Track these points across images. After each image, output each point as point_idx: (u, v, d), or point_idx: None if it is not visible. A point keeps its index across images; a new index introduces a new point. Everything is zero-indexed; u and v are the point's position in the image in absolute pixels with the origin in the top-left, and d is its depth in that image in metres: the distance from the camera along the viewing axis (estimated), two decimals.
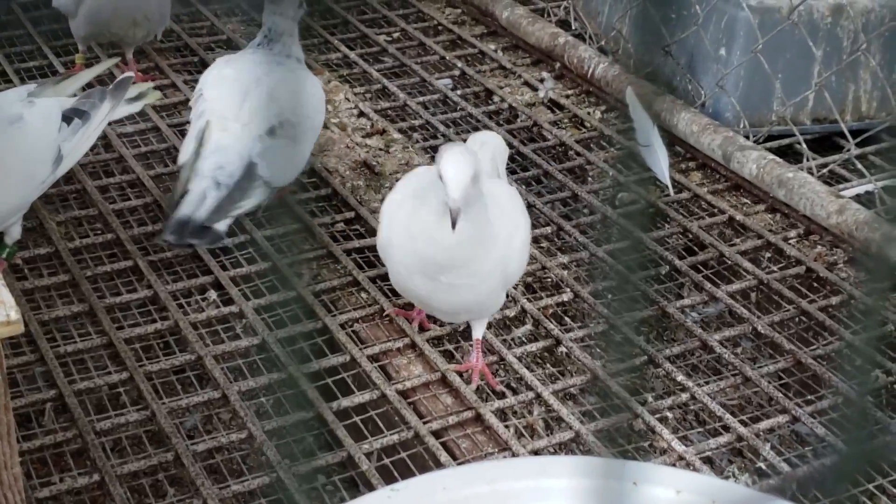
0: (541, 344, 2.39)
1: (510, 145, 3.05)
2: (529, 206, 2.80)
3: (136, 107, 2.64)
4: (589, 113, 3.24)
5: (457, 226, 1.95)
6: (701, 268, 2.66)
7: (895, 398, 2.32)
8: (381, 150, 3.02)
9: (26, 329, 2.25)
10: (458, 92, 3.33)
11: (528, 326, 2.44)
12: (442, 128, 3.13)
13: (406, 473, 2.07)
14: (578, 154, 3.05)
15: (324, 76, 3.33)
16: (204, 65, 3.24)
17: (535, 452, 2.13)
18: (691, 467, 2.10)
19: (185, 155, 2.52)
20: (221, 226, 2.45)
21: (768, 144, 3.04)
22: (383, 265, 2.53)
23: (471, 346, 2.31)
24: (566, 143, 3.09)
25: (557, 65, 3.42)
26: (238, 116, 2.50)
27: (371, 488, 2.01)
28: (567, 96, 3.33)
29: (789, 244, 2.71)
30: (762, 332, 2.44)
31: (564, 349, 2.38)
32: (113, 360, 2.31)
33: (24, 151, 2.36)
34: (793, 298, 2.54)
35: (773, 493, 2.05)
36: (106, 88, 2.55)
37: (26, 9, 3.58)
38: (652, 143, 2.76)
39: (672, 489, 1.49)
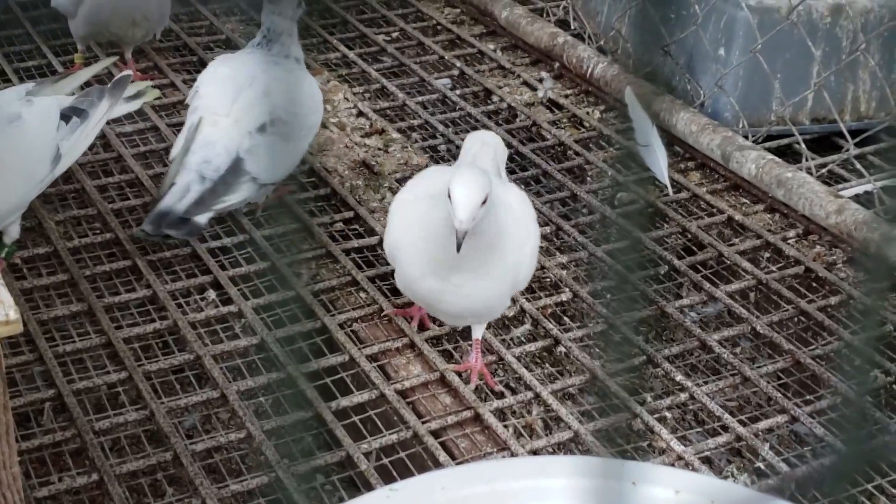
0: (540, 344, 2.39)
1: (509, 145, 3.05)
2: None
3: (134, 105, 2.64)
4: (588, 113, 3.24)
5: (461, 247, 1.94)
6: (700, 268, 2.66)
7: (894, 398, 2.32)
8: (380, 149, 3.02)
9: (25, 328, 2.25)
10: (457, 92, 3.33)
11: (527, 326, 2.44)
12: (441, 127, 3.13)
13: (405, 473, 2.07)
14: (577, 154, 3.05)
15: (323, 76, 3.33)
16: (203, 64, 3.24)
17: (534, 452, 2.13)
18: (690, 467, 2.10)
19: (175, 150, 2.55)
20: (201, 218, 2.46)
21: (767, 144, 3.04)
22: (383, 265, 2.53)
23: (470, 346, 2.31)
24: (565, 143, 3.09)
25: (556, 64, 3.42)
26: (229, 112, 2.52)
27: (370, 488, 2.01)
28: (566, 96, 3.33)
29: (788, 244, 2.71)
30: (761, 331, 2.44)
31: (563, 349, 2.38)
32: (112, 359, 2.31)
33: (22, 150, 2.36)
34: (792, 298, 2.54)
35: (772, 493, 2.05)
36: (104, 87, 2.55)
37: (25, 8, 3.57)
38: (651, 142, 2.76)
39: (671, 489, 1.49)
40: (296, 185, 2.79)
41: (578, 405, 2.30)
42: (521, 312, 2.46)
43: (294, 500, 2.02)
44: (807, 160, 2.97)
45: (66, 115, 2.45)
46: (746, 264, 2.64)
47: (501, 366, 2.35)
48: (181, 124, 2.97)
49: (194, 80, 2.71)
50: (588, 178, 2.98)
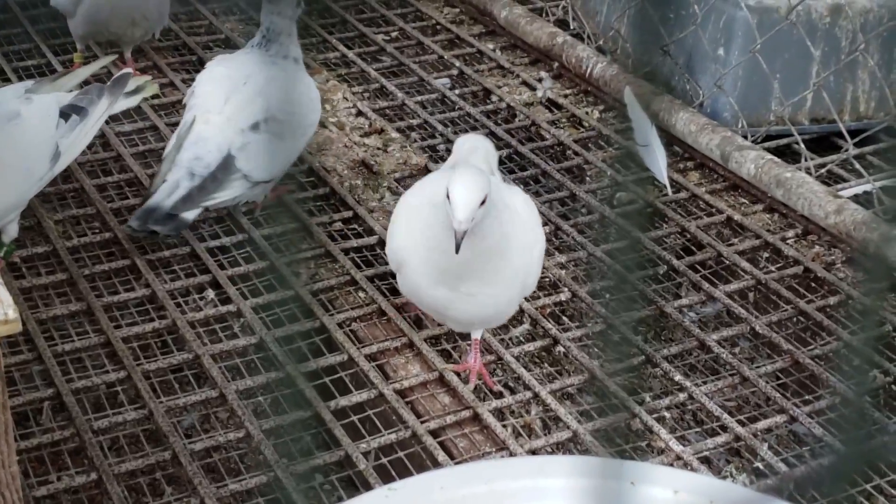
0: (538, 343, 2.39)
1: (508, 145, 3.05)
2: None
3: (134, 100, 2.65)
4: (587, 112, 3.24)
5: (460, 248, 1.92)
6: (699, 267, 2.66)
7: (893, 398, 2.32)
8: (379, 149, 3.02)
9: (24, 328, 2.25)
10: (457, 91, 3.33)
11: (526, 326, 2.44)
12: (440, 127, 3.13)
13: (403, 473, 2.07)
14: (576, 154, 3.05)
15: (322, 75, 3.33)
16: (202, 63, 3.23)
17: (533, 452, 2.13)
18: (689, 467, 2.10)
19: (168, 148, 2.57)
20: (189, 214, 2.48)
21: (766, 144, 3.04)
22: (382, 264, 2.53)
23: (468, 345, 2.31)
24: (564, 143, 3.09)
25: (556, 64, 3.41)
26: (222, 110, 2.54)
27: (368, 487, 2.01)
28: (565, 96, 3.33)
29: (787, 244, 2.71)
30: (760, 331, 2.44)
31: (562, 349, 2.38)
32: (111, 358, 2.31)
33: (21, 148, 2.36)
34: (791, 298, 2.54)
35: (771, 493, 2.05)
36: (104, 85, 2.55)
37: (24, 7, 3.57)
38: (650, 142, 2.76)
39: (670, 489, 1.48)
40: (295, 185, 2.79)
41: (577, 405, 2.30)
42: (519, 312, 2.46)
43: (293, 500, 2.02)
44: (806, 160, 2.97)
45: (65, 113, 2.45)
46: (745, 264, 2.64)
47: (500, 365, 2.35)
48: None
49: (193, 79, 2.72)
50: (587, 178, 2.98)
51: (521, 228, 2.08)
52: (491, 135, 3.10)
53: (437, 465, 2.09)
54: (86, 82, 2.70)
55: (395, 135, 3.09)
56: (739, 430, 2.19)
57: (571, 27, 3.63)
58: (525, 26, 3.53)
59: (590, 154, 3.04)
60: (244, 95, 2.55)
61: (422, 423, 2.17)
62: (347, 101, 3.23)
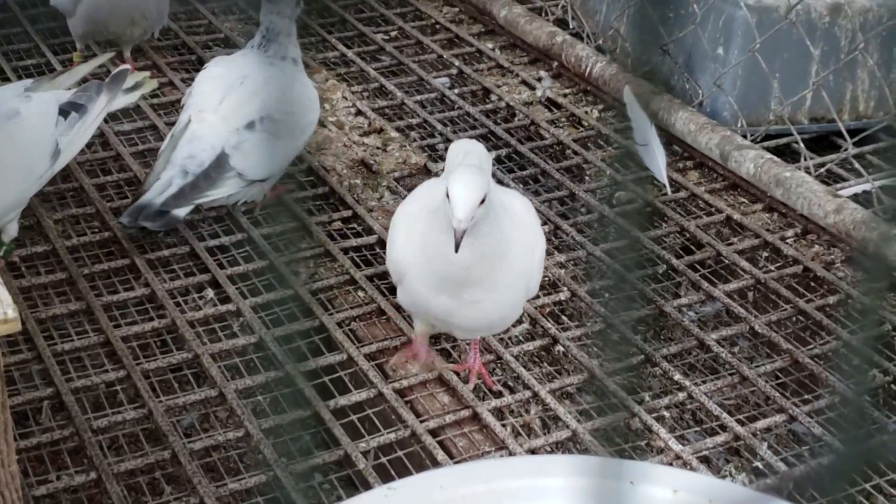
0: (538, 343, 2.39)
1: (507, 144, 3.06)
2: None
3: (132, 97, 2.65)
4: (586, 112, 3.24)
5: (460, 247, 1.90)
6: (698, 267, 2.66)
7: (892, 398, 2.32)
8: (378, 148, 3.02)
9: (23, 327, 2.25)
10: (456, 90, 3.33)
11: (525, 325, 2.44)
12: (439, 126, 3.13)
13: (403, 472, 2.07)
14: (576, 153, 3.05)
15: (321, 74, 3.33)
16: (201, 63, 3.24)
17: (532, 451, 2.13)
18: (688, 466, 2.10)
19: (163, 146, 2.59)
20: (179, 211, 2.49)
21: (766, 143, 3.04)
22: (381, 264, 2.53)
23: (468, 345, 2.31)
24: (564, 142, 3.09)
25: (555, 63, 3.41)
26: (217, 109, 2.56)
27: (368, 487, 2.01)
28: (565, 95, 3.33)
29: (787, 243, 2.71)
30: (759, 331, 2.44)
31: (561, 348, 2.38)
32: (110, 358, 2.31)
33: (21, 146, 2.37)
34: (790, 298, 2.54)
35: (770, 492, 2.05)
36: (102, 82, 2.56)
37: (24, 6, 3.57)
38: (649, 142, 2.76)
39: (669, 488, 1.48)
40: (294, 184, 2.79)
41: (576, 404, 2.30)
42: None
43: (292, 499, 2.02)
44: (805, 159, 2.97)
45: (64, 111, 2.46)
46: (745, 263, 2.64)
47: (499, 365, 2.34)
48: None
49: (193, 78, 2.73)
50: (586, 178, 2.98)
51: (521, 231, 2.07)
52: (490, 134, 3.11)
53: (436, 464, 2.09)
54: (84, 80, 2.70)
55: (394, 134, 3.09)
56: (739, 429, 2.19)
57: (571, 26, 3.63)
58: (524, 25, 3.53)
59: (589, 153, 3.04)
60: (240, 95, 2.56)
61: (421, 422, 2.17)
62: (347, 100, 3.23)
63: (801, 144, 2.99)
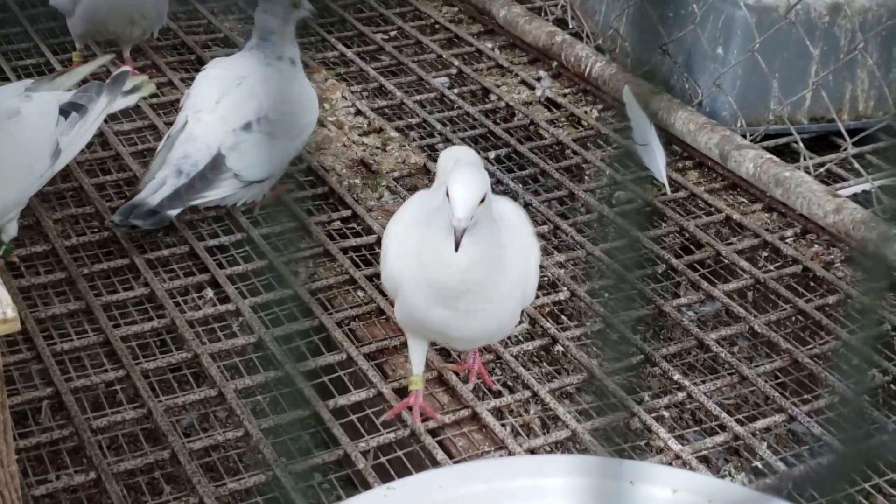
0: (537, 342, 2.39)
1: (507, 144, 3.06)
2: (526, 205, 2.80)
3: (131, 99, 2.66)
4: (586, 112, 3.24)
5: (461, 246, 1.86)
6: (697, 266, 2.66)
7: (892, 397, 2.32)
8: (377, 148, 3.02)
9: (23, 327, 2.25)
10: (455, 90, 3.33)
11: (525, 325, 2.44)
12: (439, 126, 3.13)
13: (402, 472, 2.07)
14: (575, 153, 3.05)
15: (321, 74, 3.33)
16: (201, 63, 3.24)
17: (532, 451, 2.13)
18: (688, 466, 2.10)
19: (160, 147, 2.60)
20: (171, 211, 2.50)
21: (765, 143, 3.04)
22: (380, 263, 2.53)
23: None
24: (563, 142, 3.09)
25: (554, 63, 3.41)
26: (213, 110, 2.56)
27: (367, 487, 2.01)
28: (564, 95, 3.33)
29: (786, 243, 2.71)
30: (759, 331, 2.44)
31: (561, 348, 2.38)
32: (109, 357, 2.31)
33: (22, 145, 2.37)
34: (789, 297, 2.54)
35: (770, 492, 2.05)
36: (102, 82, 2.56)
37: (23, 6, 3.57)
38: (649, 141, 2.76)
39: (668, 488, 1.49)
40: (293, 184, 2.79)
41: (576, 404, 2.30)
42: None
43: (292, 499, 2.02)
44: (805, 159, 2.97)
45: (64, 111, 2.47)
46: (744, 263, 2.64)
47: (499, 364, 2.34)
48: None
49: (192, 78, 2.73)
50: (586, 177, 2.98)
51: (515, 238, 2.03)
52: (490, 134, 3.11)
53: (435, 464, 2.09)
54: (84, 81, 2.70)
55: (393, 134, 3.09)
56: (738, 429, 2.19)
57: (570, 26, 3.63)
58: (524, 25, 3.53)
59: (588, 153, 3.04)
60: (237, 96, 2.57)
61: (421, 422, 2.17)
62: (346, 100, 3.23)
63: (801, 144, 2.99)
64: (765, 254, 2.71)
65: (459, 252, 1.88)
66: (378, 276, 2.52)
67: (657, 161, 2.80)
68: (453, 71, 3.43)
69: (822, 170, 2.97)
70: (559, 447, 2.16)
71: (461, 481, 1.51)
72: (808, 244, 2.74)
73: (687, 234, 2.76)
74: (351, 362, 2.30)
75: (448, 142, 3.05)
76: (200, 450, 2.12)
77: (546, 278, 2.57)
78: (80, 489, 2.05)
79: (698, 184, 2.95)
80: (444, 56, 3.49)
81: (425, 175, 2.90)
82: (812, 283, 2.62)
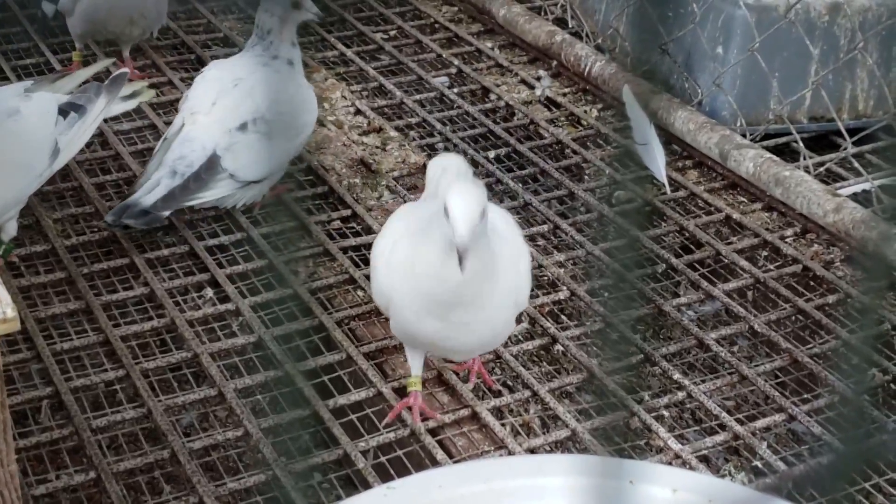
0: (537, 342, 2.39)
1: (506, 143, 3.05)
2: (526, 205, 2.80)
3: (130, 105, 2.67)
4: (586, 111, 3.24)
5: (465, 265, 1.81)
6: (697, 266, 2.66)
7: (892, 397, 2.32)
8: (377, 147, 3.02)
9: (23, 326, 2.25)
10: (455, 90, 3.33)
11: (525, 324, 2.44)
12: (438, 126, 3.13)
13: (402, 471, 2.07)
14: (575, 152, 3.05)
15: (320, 73, 3.33)
16: (201, 62, 3.24)
17: (532, 451, 2.13)
18: (688, 466, 2.10)
19: (156, 148, 2.61)
20: (164, 211, 2.50)
21: (765, 143, 3.04)
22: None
23: None
24: (563, 142, 3.09)
25: (554, 63, 3.41)
26: (210, 111, 2.57)
27: (367, 486, 2.01)
28: (564, 94, 3.33)
29: (786, 243, 2.71)
30: (759, 330, 2.44)
31: (561, 347, 2.38)
32: (109, 357, 2.31)
33: (21, 144, 2.38)
34: (789, 297, 2.54)
35: (770, 491, 2.05)
36: (102, 84, 2.57)
37: (23, 6, 3.57)
38: (649, 141, 2.76)
39: (668, 488, 1.48)
40: (293, 184, 2.79)
41: (576, 403, 2.30)
42: None
43: (291, 499, 2.02)
44: (805, 159, 2.96)
45: (63, 111, 2.48)
46: (744, 263, 2.64)
47: (499, 364, 2.34)
48: None
49: (192, 78, 2.73)
50: (586, 177, 2.98)
51: (505, 245, 1.99)
52: (489, 133, 3.11)
53: (435, 463, 2.09)
54: (84, 83, 2.70)
55: (393, 133, 3.08)
56: (738, 428, 2.19)
57: (570, 25, 3.63)
58: (524, 25, 3.53)
59: (588, 152, 3.04)
60: (233, 96, 2.59)
61: (421, 421, 2.17)
62: (346, 99, 3.23)
63: (801, 143, 2.99)
64: (765, 253, 2.71)
65: (465, 270, 1.82)
66: None
67: (657, 160, 2.80)
68: (453, 70, 3.43)
69: (821, 169, 2.97)
70: (559, 447, 2.16)
71: (461, 481, 1.51)
72: (807, 243, 2.74)
73: (687, 234, 2.76)
74: (351, 362, 2.30)
75: (448, 141, 3.05)
76: (200, 449, 2.12)
77: (546, 278, 2.57)
78: (79, 489, 2.05)
79: (698, 183, 2.95)
80: (444, 55, 3.48)
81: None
82: (812, 283, 2.62)
